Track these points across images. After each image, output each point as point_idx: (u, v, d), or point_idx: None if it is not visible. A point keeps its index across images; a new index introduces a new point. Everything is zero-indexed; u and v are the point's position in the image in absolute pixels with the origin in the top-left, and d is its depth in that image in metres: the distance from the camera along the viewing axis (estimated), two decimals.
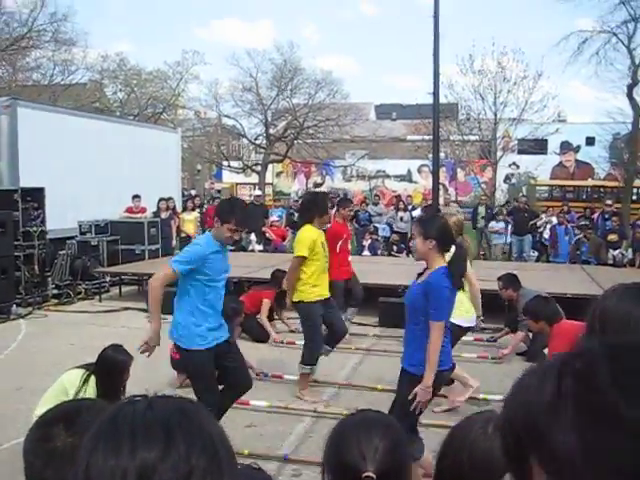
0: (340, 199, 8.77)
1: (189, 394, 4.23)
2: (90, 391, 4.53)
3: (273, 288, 8.96)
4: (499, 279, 8.24)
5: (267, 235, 16.53)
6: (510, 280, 8.17)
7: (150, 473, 0.79)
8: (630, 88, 22.97)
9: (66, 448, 1.37)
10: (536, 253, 17.12)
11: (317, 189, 31.91)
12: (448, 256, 4.24)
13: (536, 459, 0.71)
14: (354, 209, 10.67)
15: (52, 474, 1.38)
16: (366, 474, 1.68)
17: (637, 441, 0.63)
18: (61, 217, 12.29)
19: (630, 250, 15.28)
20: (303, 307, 6.38)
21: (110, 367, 4.58)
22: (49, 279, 11.79)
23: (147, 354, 4.72)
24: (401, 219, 18.37)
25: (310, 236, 6.32)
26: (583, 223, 17.47)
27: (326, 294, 6.52)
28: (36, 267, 11.34)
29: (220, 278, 4.79)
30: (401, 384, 4.26)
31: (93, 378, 4.58)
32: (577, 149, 32.46)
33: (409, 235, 17.84)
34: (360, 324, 9.56)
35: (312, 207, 6.53)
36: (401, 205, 18.93)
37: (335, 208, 9.15)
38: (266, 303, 8.86)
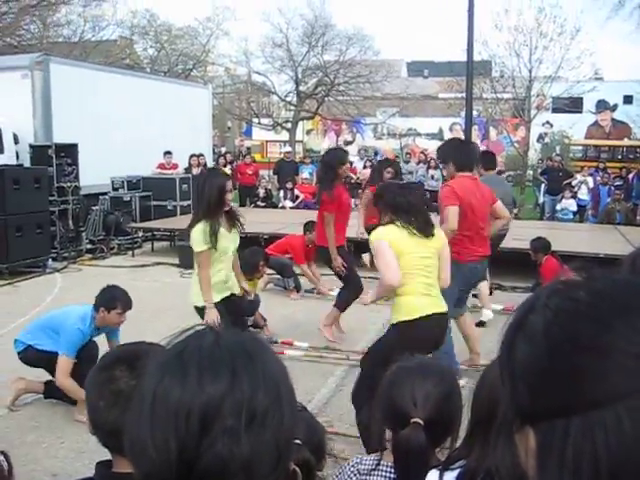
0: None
1: None
2: None
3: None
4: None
5: (296, 192, 16.54)
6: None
7: (214, 411, 0.81)
8: None
9: (130, 390, 1.39)
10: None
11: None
12: None
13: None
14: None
15: (117, 415, 1.40)
16: (414, 420, 1.69)
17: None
18: (94, 173, 12.40)
19: None
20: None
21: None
22: (83, 234, 11.98)
23: None
24: (432, 177, 18.23)
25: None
26: (618, 183, 17.24)
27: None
28: (70, 222, 11.52)
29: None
30: None
31: None
32: (614, 108, 31.66)
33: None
34: None
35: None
36: (432, 163, 18.76)
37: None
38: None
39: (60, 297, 8.85)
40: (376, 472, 1.82)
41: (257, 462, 0.81)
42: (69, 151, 11.56)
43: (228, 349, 0.87)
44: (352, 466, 1.89)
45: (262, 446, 0.82)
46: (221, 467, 0.80)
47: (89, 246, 12.02)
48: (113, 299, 4.97)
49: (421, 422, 1.68)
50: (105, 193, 13.12)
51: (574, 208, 15.89)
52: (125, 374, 1.47)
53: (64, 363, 4.82)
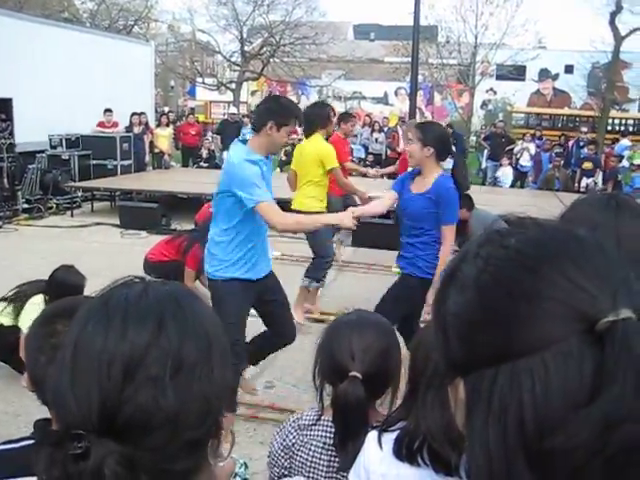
0: (342, 113, 8.40)
1: None
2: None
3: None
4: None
5: None
6: (463, 200, 8.21)
7: (138, 360, 0.78)
8: (613, 15, 22.71)
9: None
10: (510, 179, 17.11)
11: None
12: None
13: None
14: (356, 124, 10.50)
15: None
16: (352, 374, 1.68)
17: None
18: (31, 130, 11.97)
19: (600, 179, 15.48)
20: None
21: (62, 291, 4.54)
22: (19, 193, 11.60)
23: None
24: (376, 140, 18.28)
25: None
26: (557, 151, 17.60)
27: None
28: (5, 181, 11.14)
29: None
30: (404, 288, 4.30)
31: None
32: (555, 77, 32.21)
33: (383, 157, 17.82)
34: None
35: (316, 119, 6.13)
36: (376, 126, 18.80)
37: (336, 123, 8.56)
38: None
39: None
40: (316, 427, 1.83)
41: (184, 414, 0.78)
42: (3, 106, 11.11)
43: (156, 298, 0.84)
44: (293, 421, 1.89)
45: (189, 398, 0.79)
46: (145, 418, 0.77)
47: (26, 205, 11.64)
48: (287, 111, 4.07)
49: (359, 376, 1.68)
50: (42, 151, 12.71)
51: (510, 176, 16.13)
52: (66, 328, 1.42)
53: (266, 208, 3.79)
